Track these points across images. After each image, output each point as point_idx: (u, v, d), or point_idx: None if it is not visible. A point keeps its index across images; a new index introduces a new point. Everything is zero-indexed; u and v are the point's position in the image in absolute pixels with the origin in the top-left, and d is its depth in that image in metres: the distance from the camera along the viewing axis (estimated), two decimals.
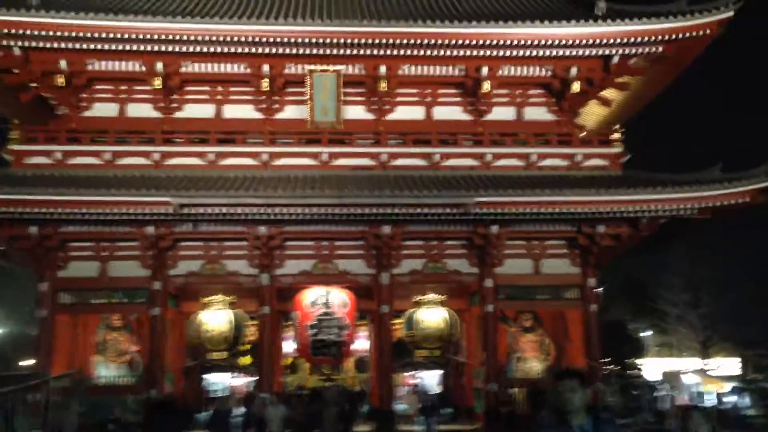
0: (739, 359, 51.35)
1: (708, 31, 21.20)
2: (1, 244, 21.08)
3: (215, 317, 22.78)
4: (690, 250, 41.87)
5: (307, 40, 21.06)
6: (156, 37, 20.72)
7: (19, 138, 21.56)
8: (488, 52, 21.89)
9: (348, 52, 21.64)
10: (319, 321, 22.30)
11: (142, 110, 23.09)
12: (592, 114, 24.97)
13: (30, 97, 22.16)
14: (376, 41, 21.24)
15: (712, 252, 43.44)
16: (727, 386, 28.90)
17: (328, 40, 21.12)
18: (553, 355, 23.25)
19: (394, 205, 19.81)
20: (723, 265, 46.94)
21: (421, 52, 21.79)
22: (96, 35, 20.42)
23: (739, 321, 49.43)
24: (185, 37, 20.78)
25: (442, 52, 21.78)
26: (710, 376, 29.41)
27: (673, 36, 21.43)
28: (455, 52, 21.78)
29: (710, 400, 26.30)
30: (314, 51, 21.50)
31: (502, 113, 23.97)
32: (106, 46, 20.97)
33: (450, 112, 23.95)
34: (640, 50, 21.97)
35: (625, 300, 48.31)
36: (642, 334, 47.33)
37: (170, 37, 20.75)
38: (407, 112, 23.85)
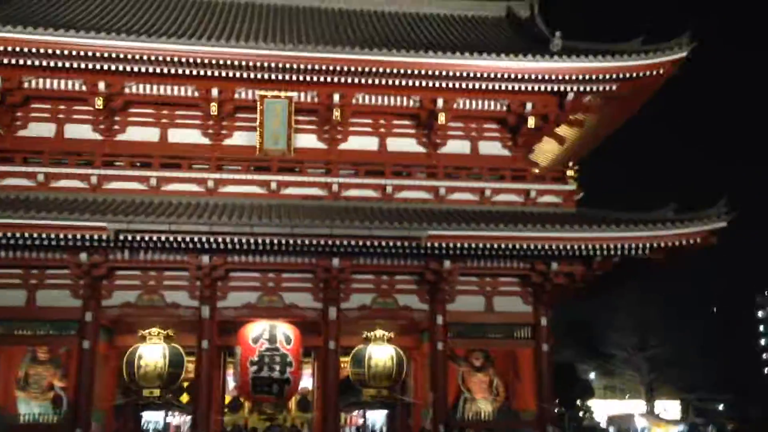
0: (680, 403, 51.78)
1: (662, 71, 21.33)
2: None
3: (151, 352, 21.46)
4: (639, 294, 42.19)
5: (258, 64, 20.39)
6: (99, 55, 19.74)
7: None
8: (444, 84, 21.57)
9: (301, 78, 21.06)
10: (261, 357, 21.22)
11: (81, 131, 21.97)
12: (546, 150, 24.84)
13: None
14: (330, 68, 20.72)
15: (659, 296, 43.92)
16: (674, 429, 28.68)
17: (280, 65, 20.51)
18: (502, 395, 22.61)
19: (345, 236, 19.06)
20: (669, 310, 47.54)
21: (376, 81, 21.35)
22: (33, 50, 19.38)
23: (682, 365, 49.95)
24: (130, 56, 19.89)
25: (397, 82, 21.36)
26: (659, 419, 29.11)
27: (628, 74, 21.49)
28: (410, 82, 21.39)
29: None
30: (266, 76, 20.84)
31: (457, 147, 23.63)
32: (45, 63, 19.86)
33: (404, 143, 23.50)
34: (594, 88, 21.95)
35: (572, 342, 48.28)
36: (589, 376, 47.23)
37: (114, 55, 19.81)
38: (360, 142, 23.31)
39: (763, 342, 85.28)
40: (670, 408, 47.74)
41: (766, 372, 77.64)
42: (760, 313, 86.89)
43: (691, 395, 57.73)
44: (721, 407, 59.28)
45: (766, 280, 73.29)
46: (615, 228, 19.71)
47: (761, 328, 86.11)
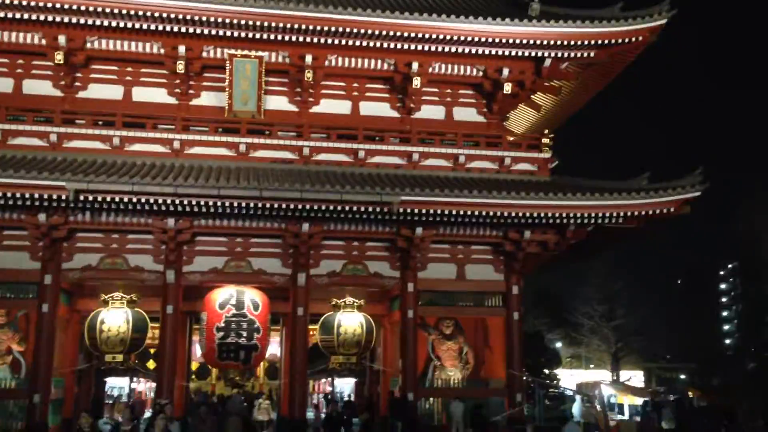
0: (643, 372, 52.68)
1: (640, 38, 21.02)
2: None
3: (113, 317, 20.84)
4: (607, 264, 42.48)
5: (227, 21, 19.63)
6: (59, 6, 18.83)
7: None
8: (418, 46, 21.08)
9: (272, 37, 20.36)
10: (228, 323, 20.80)
11: (40, 87, 21.02)
12: (522, 118, 24.52)
13: None
14: (302, 27, 20.04)
15: (627, 267, 44.39)
16: (639, 399, 28.96)
17: (250, 23, 19.76)
18: (472, 363, 22.52)
19: (315, 200, 18.56)
20: (636, 281, 48.12)
21: (350, 42, 20.75)
22: None
23: (647, 335, 50.77)
24: (91, 9, 18.97)
25: (371, 44, 20.80)
26: (625, 387, 29.40)
27: (605, 41, 21.15)
28: (385, 44, 20.84)
29: (624, 412, 26.19)
30: (235, 33, 20.10)
31: (431, 112, 23.14)
32: (1, 15, 18.86)
33: (378, 107, 22.95)
34: (572, 54, 21.56)
35: (540, 311, 48.65)
36: (556, 346, 47.67)
37: (74, 7, 18.91)
38: (333, 106, 22.71)
39: (725, 313, 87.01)
40: (634, 377, 48.50)
41: (727, 342, 79.31)
42: (723, 285, 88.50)
43: (655, 364, 58.86)
44: (683, 376, 60.51)
45: (729, 253, 74.47)
46: (590, 196, 19.50)
47: (723, 299, 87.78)
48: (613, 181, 20.87)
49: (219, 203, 18.28)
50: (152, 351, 24.82)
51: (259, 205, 18.43)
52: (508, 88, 22.43)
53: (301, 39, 20.50)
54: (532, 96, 23.46)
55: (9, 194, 17.33)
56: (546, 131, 23.10)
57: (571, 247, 21.93)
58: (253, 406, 22.86)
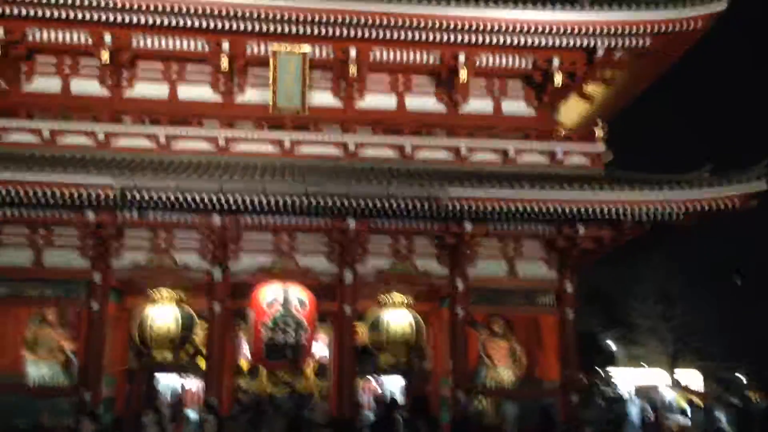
0: (701, 372, 50.87)
1: (699, 24, 20.04)
2: None
3: (162, 314, 20.91)
4: (664, 262, 41.09)
5: (270, 16, 19.41)
6: (104, 5, 18.86)
7: None
8: (465, 38, 20.50)
9: (316, 31, 20.06)
10: (275, 321, 20.55)
11: (87, 87, 21.13)
12: (573, 110, 23.65)
13: None
14: (347, 20, 19.70)
15: (685, 264, 42.88)
16: (700, 401, 27.85)
17: (294, 17, 19.53)
18: (524, 363, 21.80)
19: (362, 196, 18.17)
20: (694, 279, 46.46)
21: (394, 35, 20.28)
22: (35, 0, 18.51)
23: (704, 334, 49.03)
24: (136, 7, 18.98)
25: (416, 36, 20.30)
26: (685, 389, 28.30)
27: (661, 28, 20.26)
28: (430, 36, 20.33)
29: (686, 416, 25.13)
30: (278, 28, 19.87)
31: (479, 105, 22.52)
32: (48, 13, 19.02)
33: (424, 101, 22.43)
34: (626, 42, 20.72)
35: (594, 311, 47.39)
36: (611, 346, 46.43)
37: (120, 5, 18.93)
38: (378, 101, 22.27)
39: None
40: (691, 377, 46.94)
41: None
42: None
43: (712, 364, 56.84)
44: (741, 377, 58.31)
45: None
46: (648, 190, 18.62)
47: None
48: (672, 174, 19.97)
49: (264, 200, 18.04)
50: (202, 349, 24.85)
51: (305, 201, 18.13)
52: (558, 79, 21.66)
53: (345, 33, 20.12)
54: (584, 87, 22.61)
55: (58, 193, 17.37)
56: (599, 123, 22.25)
57: (628, 243, 21.12)
58: (306, 407, 22.57)
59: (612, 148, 21.74)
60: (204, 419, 7.78)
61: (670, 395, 25.82)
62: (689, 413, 26.41)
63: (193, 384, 33.49)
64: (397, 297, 22.05)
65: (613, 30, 20.32)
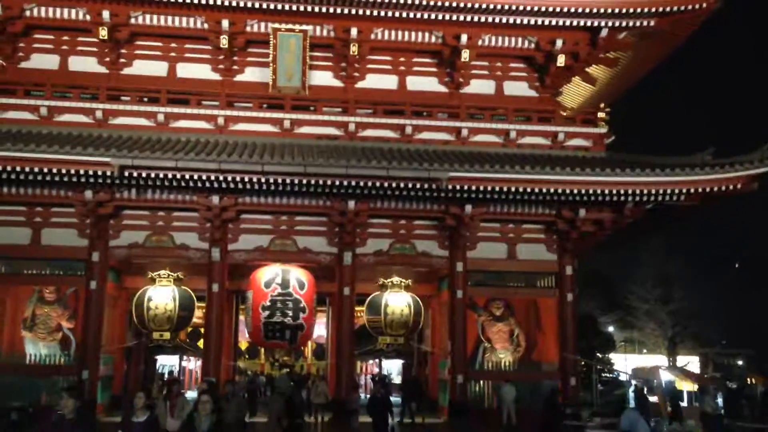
0: (699, 357, 50.92)
1: (704, 5, 19.73)
2: None
3: (160, 294, 20.84)
4: (663, 246, 40.95)
5: None
6: None
7: None
8: (468, 17, 20.24)
9: (316, 9, 19.76)
10: (274, 302, 20.53)
11: (86, 64, 20.91)
12: (576, 91, 23.41)
13: None
14: None
15: (683, 248, 42.74)
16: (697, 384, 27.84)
17: None
18: (523, 346, 21.82)
19: (362, 176, 18.03)
20: (693, 263, 46.37)
21: (396, 14, 20.00)
22: None
23: (703, 319, 49.00)
24: None
25: (418, 15, 20.04)
26: (684, 372, 28.31)
27: (667, 8, 19.94)
28: (432, 15, 20.07)
29: (683, 399, 25.16)
30: (278, 6, 19.56)
31: (481, 86, 22.33)
32: None
33: (425, 82, 22.23)
34: (630, 23, 20.41)
35: (592, 294, 47.32)
36: (610, 329, 46.41)
37: None
38: (379, 81, 22.08)
39: None
40: (690, 363, 46.98)
41: None
42: None
43: (711, 350, 56.90)
44: (740, 362, 58.41)
45: None
46: (650, 172, 18.47)
47: None
48: (674, 156, 19.82)
49: (263, 179, 17.90)
50: (201, 330, 24.85)
51: (304, 181, 18.00)
52: (561, 60, 21.48)
53: (346, 11, 19.84)
54: (587, 69, 22.34)
55: (55, 170, 17.20)
56: (602, 105, 22.07)
57: (627, 226, 21.03)
58: (303, 388, 22.56)
59: (614, 131, 21.64)
60: (200, 399, 7.61)
61: (667, 378, 25.84)
62: (686, 396, 26.47)
63: (194, 364, 33.66)
64: (397, 279, 21.98)
65: (617, 11, 20.00)
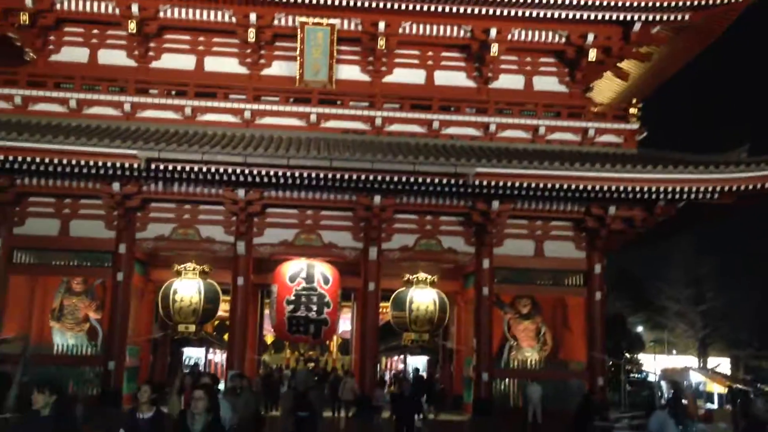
0: (729, 359, 49.97)
1: None
2: None
3: (186, 287, 20.93)
4: (694, 246, 40.24)
5: None
6: None
7: None
8: (497, 11, 20.02)
9: (344, 2, 19.69)
10: (298, 296, 20.48)
11: (115, 57, 21.08)
12: (607, 87, 23.09)
13: None
14: None
15: (715, 248, 41.93)
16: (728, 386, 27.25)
17: None
18: (550, 345, 21.51)
19: (388, 171, 17.86)
20: (724, 263, 45.49)
21: (424, 8, 19.95)
22: None
23: (736, 320, 48.07)
24: None
25: (446, 9, 19.93)
26: (715, 374, 27.76)
27: (701, 2, 19.50)
28: (461, 9, 19.91)
29: (714, 401, 24.65)
30: (306, 0, 19.52)
31: (510, 81, 22.05)
32: None
33: (453, 77, 22.03)
34: (664, 17, 20.05)
35: (621, 294, 46.69)
36: (638, 330, 45.75)
37: None
38: (406, 75, 21.92)
39: None
40: (720, 364, 46.16)
41: None
42: None
43: (743, 352, 55.80)
44: None
45: None
46: (682, 169, 18.04)
47: None
48: (707, 154, 19.36)
49: (288, 173, 17.83)
50: (227, 323, 24.91)
51: (330, 175, 17.89)
52: (592, 55, 21.14)
53: (374, 5, 19.74)
54: (619, 64, 21.97)
55: (83, 162, 17.31)
56: (634, 101, 21.63)
57: (658, 224, 20.60)
58: (326, 383, 22.48)
59: (647, 127, 21.18)
60: (194, 395, 6.95)
61: (698, 380, 25.34)
62: (716, 398, 25.94)
63: (220, 357, 33.81)
64: (422, 275, 21.81)
65: (650, 4, 19.66)
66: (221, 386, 15.79)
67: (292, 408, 11.11)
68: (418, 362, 32.51)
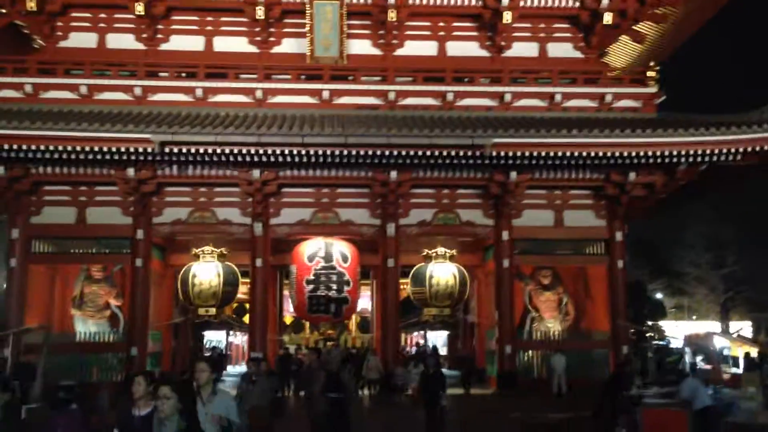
0: (751, 322, 49.58)
1: None
2: None
3: (205, 270, 20.89)
4: (713, 208, 39.61)
5: None
6: None
7: None
8: None
9: None
10: (317, 275, 20.38)
11: (123, 41, 20.85)
12: (623, 51, 22.59)
13: (1, 25, 19.90)
14: None
15: (735, 210, 41.26)
16: (754, 350, 26.96)
17: None
18: (572, 315, 21.36)
19: (403, 146, 17.63)
20: (745, 226, 44.86)
21: None
22: None
23: (757, 284, 47.58)
24: None
25: None
26: (740, 338, 27.50)
27: None
28: None
29: (739, 365, 24.37)
30: None
31: (524, 49, 21.65)
32: None
33: (466, 47, 21.64)
34: None
35: (640, 261, 46.24)
36: (659, 296, 45.41)
37: None
38: (418, 48, 21.57)
39: None
40: (742, 328, 45.77)
41: None
42: None
43: (765, 314, 55.31)
44: None
45: None
46: (703, 131, 17.67)
47: None
48: (727, 114, 18.94)
49: (303, 151, 17.64)
50: (247, 305, 24.93)
51: (345, 152, 17.67)
52: (608, 18, 20.71)
53: None
54: (635, 26, 21.47)
55: (97, 148, 17.17)
56: (651, 64, 21.19)
57: (679, 189, 20.27)
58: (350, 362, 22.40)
59: (665, 90, 20.76)
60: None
61: (722, 344, 25.11)
62: (742, 363, 25.66)
63: (241, 339, 33.93)
64: (441, 249, 21.64)
65: None
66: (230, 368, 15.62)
67: (323, 389, 10.91)
68: (438, 337, 32.54)
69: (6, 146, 16.88)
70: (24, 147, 16.89)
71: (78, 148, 17.03)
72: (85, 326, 19.90)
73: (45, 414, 10.50)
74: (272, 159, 17.97)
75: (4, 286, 20.58)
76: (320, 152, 17.70)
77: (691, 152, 17.86)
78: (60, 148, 16.95)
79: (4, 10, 19.71)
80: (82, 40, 20.73)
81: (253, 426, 10.04)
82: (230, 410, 6.28)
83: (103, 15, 20.83)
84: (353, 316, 32.87)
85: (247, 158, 17.91)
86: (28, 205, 19.55)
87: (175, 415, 5.48)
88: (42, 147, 16.90)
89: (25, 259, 19.40)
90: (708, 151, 17.83)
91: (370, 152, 17.71)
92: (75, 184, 19.71)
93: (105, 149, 17.18)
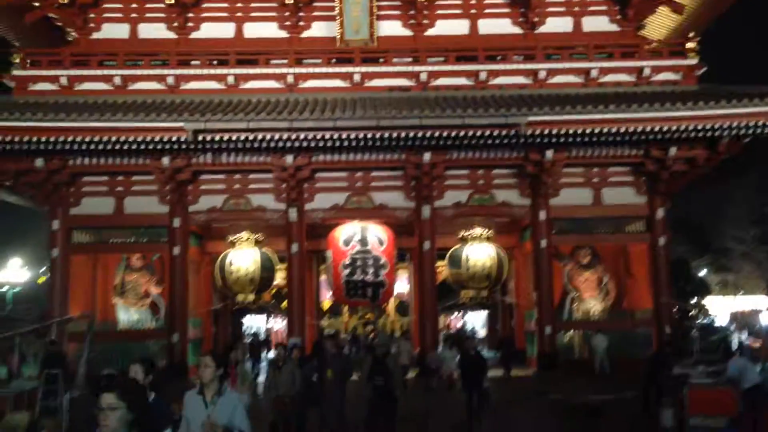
0: None
1: None
2: (7, 179, 19.27)
3: (241, 257, 21.00)
4: (759, 181, 38.48)
5: None
6: None
7: (20, 63, 19.60)
8: None
9: None
10: (353, 260, 20.33)
11: (155, 31, 20.95)
12: (661, 23, 21.91)
13: (35, 18, 20.12)
14: None
15: None
16: None
17: None
18: (613, 294, 20.98)
19: (436, 127, 17.40)
20: None
21: None
22: None
23: None
24: None
25: None
26: None
27: None
28: None
29: None
30: None
31: (558, 25, 21.19)
32: None
33: (498, 25, 21.24)
34: None
35: (682, 237, 45.27)
36: (703, 273, 44.46)
37: None
38: (449, 27, 21.24)
39: None
40: None
41: None
42: None
43: None
44: None
45: None
46: (747, 102, 17.08)
47: None
48: None
49: (335, 136, 17.54)
50: (284, 291, 25.02)
51: (377, 135, 17.52)
52: None
53: None
54: None
55: (132, 138, 17.32)
56: (691, 35, 20.54)
57: (722, 163, 19.68)
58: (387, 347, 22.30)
59: (706, 62, 20.12)
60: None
61: None
62: None
63: (280, 325, 34.14)
64: (477, 231, 21.40)
65: None
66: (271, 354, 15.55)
67: (368, 374, 10.80)
68: (477, 319, 32.34)
69: (43, 139, 17.09)
70: (61, 139, 17.10)
71: (114, 139, 17.19)
72: (128, 314, 20.21)
73: (88, 402, 10.60)
74: (305, 144, 17.93)
75: (48, 276, 20.94)
76: (352, 135, 17.58)
77: (734, 125, 17.31)
78: (96, 139, 17.13)
79: (37, 4, 19.91)
80: (114, 31, 20.88)
81: (280, 416, 9.92)
82: (236, 415, 5.48)
83: (134, 5, 20.95)
84: (391, 300, 32.85)
85: (280, 144, 17.89)
86: (68, 196, 19.85)
87: (121, 429, 4.08)
88: (78, 138, 17.10)
89: (66, 249, 19.73)
90: (752, 123, 17.26)
91: (402, 134, 17.55)
92: (112, 174, 19.95)
93: (140, 139, 17.32)
